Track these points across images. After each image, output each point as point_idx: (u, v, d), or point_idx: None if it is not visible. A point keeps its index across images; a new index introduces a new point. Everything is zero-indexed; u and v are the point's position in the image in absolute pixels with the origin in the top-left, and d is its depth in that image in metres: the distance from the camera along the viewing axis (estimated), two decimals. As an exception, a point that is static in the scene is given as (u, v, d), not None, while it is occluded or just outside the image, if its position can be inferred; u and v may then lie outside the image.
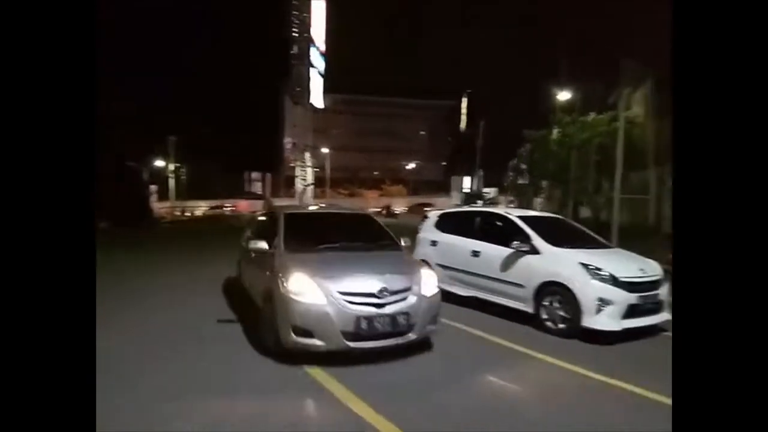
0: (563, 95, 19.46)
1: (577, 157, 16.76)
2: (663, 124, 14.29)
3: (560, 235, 5.60)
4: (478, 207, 9.58)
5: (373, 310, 3.77)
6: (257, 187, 64.80)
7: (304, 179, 35.73)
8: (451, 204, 41.28)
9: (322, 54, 40.52)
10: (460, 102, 58.05)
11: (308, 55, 37.83)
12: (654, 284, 4.89)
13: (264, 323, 4.22)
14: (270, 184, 64.60)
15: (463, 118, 55.08)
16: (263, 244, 4.56)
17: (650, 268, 5.04)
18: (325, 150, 56.90)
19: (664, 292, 4.93)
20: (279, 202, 47.26)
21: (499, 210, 6.73)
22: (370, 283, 3.86)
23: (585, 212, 17.62)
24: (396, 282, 3.94)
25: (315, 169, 40.61)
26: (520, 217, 5.76)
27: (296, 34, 40.76)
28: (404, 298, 3.91)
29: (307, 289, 3.80)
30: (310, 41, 37.97)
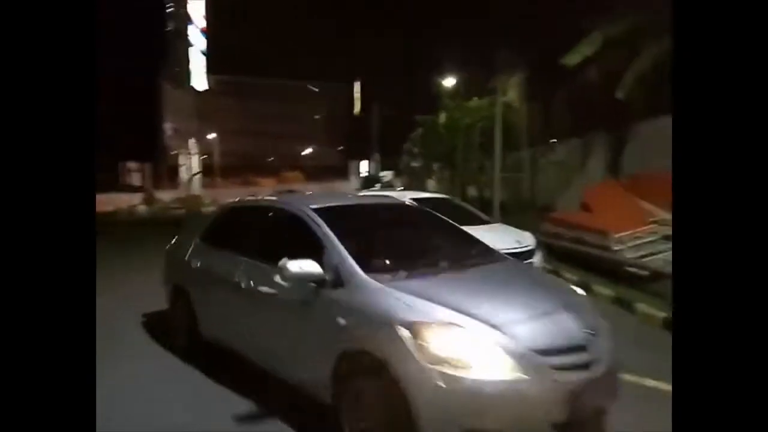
0: (448, 81, 20.43)
1: (463, 140, 17.78)
2: (534, 107, 15.71)
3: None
4: (373, 192, 8.28)
5: (583, 374, 2.18)
6: (136, 179, 58.75)
7: (190, 168, 33.15)
8: (350, 189, 41.52)
9: (202, 31, 37.46)
10: (354, 86, 58.23)
11: (186, 33, 34.71)
12: (529, 253, 5.38)
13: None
14: (151, 174, 58.98)
15: (358, 102, 55.39)
16: (310, 267, 2.62)
17: (525, 239, 5.59)
18: (212, 136, 53.37)
19: (537, 259, 5.49)
20: (162, 194, 43.34)
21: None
22: (562, 326, 2.29)
23: (472, 191, 18.86)
24: (582, 317, 2.39)
25: (202, 157, 37.89)
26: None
27: (171, 9, 37.04)
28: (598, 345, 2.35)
29: (478, 351, 2.09)
30: (187, 18, 34.83)
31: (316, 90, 74.30)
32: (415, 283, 2.53)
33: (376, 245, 3.20)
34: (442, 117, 20.69)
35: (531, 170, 14.74)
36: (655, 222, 7.29)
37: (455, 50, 20.67)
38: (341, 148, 74.28)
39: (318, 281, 2.68)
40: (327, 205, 3.33)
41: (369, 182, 38.02)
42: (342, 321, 2.51)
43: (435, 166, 24.39)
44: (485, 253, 3.26)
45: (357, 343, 2.44)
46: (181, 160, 35.06)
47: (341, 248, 2.77)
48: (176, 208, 33.44)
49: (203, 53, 38.03)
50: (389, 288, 2.47)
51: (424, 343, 2.10)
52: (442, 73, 20.78)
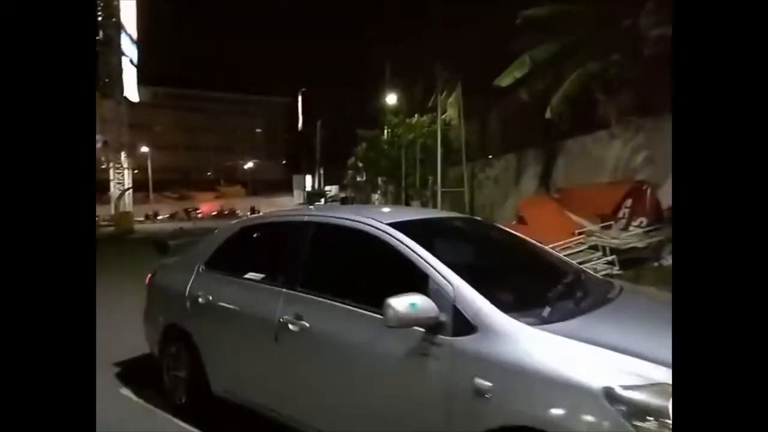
0: (390, 98, 20.92)
1: (405, 156, 18.22)
2: (472, 125, 16.47)
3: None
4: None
5: None
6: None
7: (121, 183, 31.26)
8: (293, 204, 40.88)
9: (134, 42, 35.79)
10: (296, 100, 57.83)
11: (118, 42, 33.03)
12: None
13: None
14: (76, 189, 54.70)
15: (300, 116, 55.01)
16: (424, 306, 1.92)
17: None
18: (145, 149, 50.72)
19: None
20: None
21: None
22: None
23: (415, 205, 19.30)
24: None
25: (134, 171, 35.84)
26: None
27: (101, 17, 35.14)
28: None
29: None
30: (119, 26, 33.19)
31: (256, 103, 72.92)
32: (574, 325, 1.89)
33: (487, 272, 2.47)
34: (385, 132, 21.11)
35: (470, 185, 15.39)
36: (582, 233, 7.91)
37: (397, 68, 21.23)
38: (284, 162, 73.13)
39: (431, 325, 1.93)
40: (404, 219, 2.57)
41: (314, 197, 37.70)
42: (484, 384, 1.76)
43: (379, 180, 24.72)
44: (590, 276, 2.77)
45: (514, 417, 1.71)
46: (112, 174, 32.94)
47: (458, 278, 2.01)
48: (106, 225, 31.30)
49: (133, 64, 36.23)
50: (548, 333, 1.79)
51: (643, 414, 1.48)
52: (385, 91, 21.27)
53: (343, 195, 37.34)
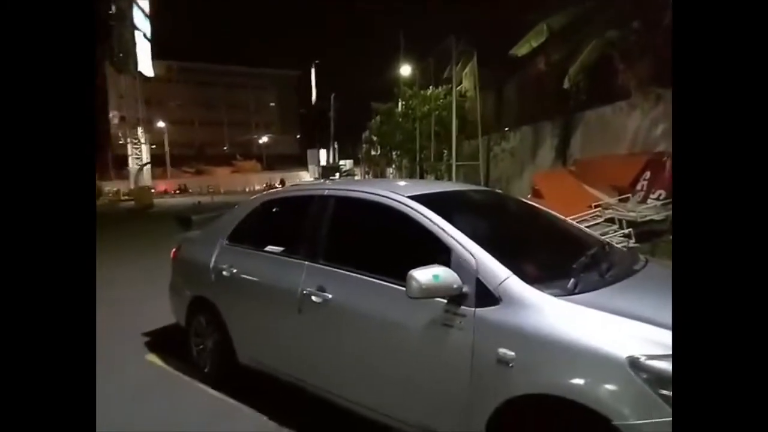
0: (405, 69, 20.58)
1: (420, 128, 18.05)
2: (488, 96, 16.17)
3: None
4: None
5: None
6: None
7: (139, 158, 31.73)
8: (307, 180, 40.99)
9: (146, 15, 35.60)
10: (309, 73, 57.20)
11: (131, 16, 32.92)
12: None
13: None
14: (96, 165, 55.72)
15: (314, 89, 54.52)
16: (447, 277, 1.98)
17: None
18: (161, 124, 51.06)
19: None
20: (110, 185, 41.19)
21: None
22: None
23: (430, 179, 19.23)
24: None
25: (151, 146, 36.27)
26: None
27: (113, -10, 35.07)
28: None
29: None
30: (132, 0, 33.05)
31: (270, 76, 72.34)
32: (599, 296, 1.92)
33: (509, 244, 2.46)
34: (400, 105, 20.87)
35: (485, 158, 15.25)
36: (598, 206, 7.85)
37: (411, 39, 20.84)
38: (298, 136, 72.98)
39: (454, 297, 1.98)
40: (425, 192, 2.62)
41: (329, 171, 37.74)
42: (507, 353, 1.82)
43: (394, 154, 24.61)
44: (615, 248, 2.77)
45: (537, 385, 1.76)
46: (130, 149, 33.40)
47: (480, 250, 2.05)
48: (126, 200, 31.98)
49: (147, 38, 36.12)
50: (573, 304, 1.82)
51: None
52: (399, 62, 20.92)
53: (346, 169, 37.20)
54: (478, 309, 1.95)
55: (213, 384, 3.27)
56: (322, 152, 46.67)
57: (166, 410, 3.00)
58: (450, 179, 13.90)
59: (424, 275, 1.92)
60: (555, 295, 1.89)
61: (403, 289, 1.99)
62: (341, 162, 43.46)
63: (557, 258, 2.47)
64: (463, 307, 1.98)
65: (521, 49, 11.32)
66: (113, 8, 31.52)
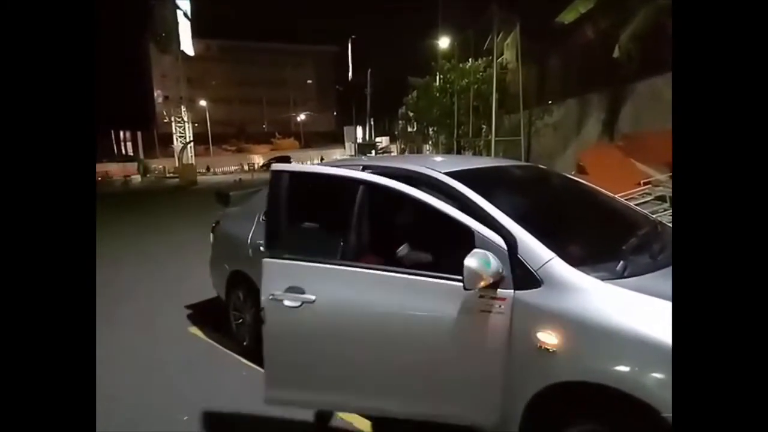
0: (443, 42, 19.98)
1: (458, 103, 17.60)
2: (530, 68, 15.49)
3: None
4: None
5: None
6: (130, 148, 57.93)
7: (183, 136, 32.75)
8: (343, 156, 41.13)
9: (187, -7, 36.19)
10: (346, 49, 56.69)
11: (172, -5, 33.57)
12: None
13: None
14: (142, 143, 58.09)
15: (350, 65, 54.10)
16: (493, 262, 1.81)
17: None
18: (203, 103, 52.33)
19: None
20: (157, 163, 42.90)
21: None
22: None
23: (467, 155, 18.83)
24: None
25: (194, 125, 37.33)
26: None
27: (154, -30, 35.68)
28: None
29: None
30: (172, -22, 33.58)
31: (306, 52, 72.31)
32: (650, 281, 1.79)
33: (553, 223, 2.32)
34: (437, 79, 20.37)
35: (527, 133, 14.71)
36: (648, 183, 7.41)
37: (450, 9, 20.10)
38: (335, 113, 73.07)
39: (496, 280, 1.84)
40: (462, 168, 2.43)
41: (365, 148, 37.70)
42: (549, 338, 1.72)
43: (431, 130, 24.21)
44: (668, 229, 2.53)
45: (580, 372, 1.68)
46: (174, 128, 34.52)
47: (521, 230, 1.93)
48: (171, 177, 33.24)
49: (187, 17, 36.73)
50: (621, 288, 1.71)
51: None
52: (437, 34, 20.30)
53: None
54: (517, 291, 1.83)
55: (251, 357, 3.33)
56: (359, 129, 46.53)
57: (205, 382, 3.10)
58: (489, 155, 13.54)
59: (479, 264, 1.75)
60: (602, 279, 1.76)
61: (434, 280, 1.91)
62: (377, 139, 43.23)
63: (605, 239, 2.29)
64: (500, 290, 1.85)
65: (568, 16, 10.69)
66: (155, -12, 32.13)
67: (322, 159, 38.39)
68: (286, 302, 2.11)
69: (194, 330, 4.06)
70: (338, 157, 37.82)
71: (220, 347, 3.68)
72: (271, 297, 2.12)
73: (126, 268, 6.54)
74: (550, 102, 15.48)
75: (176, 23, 34.65)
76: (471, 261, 1.76)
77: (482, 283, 1.77)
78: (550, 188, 2.98)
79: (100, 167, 37.13)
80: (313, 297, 2.08)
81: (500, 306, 1.85)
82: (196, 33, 41.35)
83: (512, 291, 1.84)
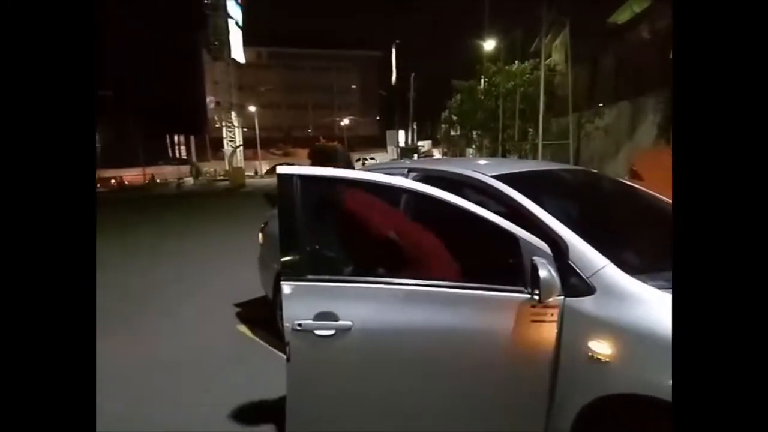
0: (488, 44, 19.71)
1: (503, 106, 17.29)
2: (580, 70, 14.99)
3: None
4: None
5: None
6: (183, 152, 60.89)
7: (233, 140, 34.00)
8: (385, 160, 41.34)
9: (238, 3, 37.62)
10: (390, 53, 57.11)
11: (225, 5, 35.01)
12: None
13: None
14: (195, 147, 60.86)
15: (394, 70, 54.42)
16: (553, 270, 1.74)
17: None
18: (252, 108, 54.21)
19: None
20: (208, 166, 44.78)
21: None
22: None
23: (513, 158, 18.44)
24: None
25: (243, 129, 38.70)
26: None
27: (209, -18, 37.52)
28: None
29: None
30: (224, -11, 35.13)
31: (351, 58, 73.41)
32: None
33: (607, 229, 2.23)
34: (482, 82, 20.11)
35: (576, 137, 14.21)
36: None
37: (496, 10, 19.83)
38: (378, 117, 73.68)
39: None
40: (510, 171, 2.35)
41: (407, 152, 37.74)
42: (601, 348, 1.65)
43: (474, 134, 23.89)
44: None
45: (633, 384, 1.58)
46: (225, 132, 35.92)
47: (573, 235, 1.86)
48: (222, 180, 34.61)
49: (239, 26, 38.20)
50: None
51: None
52: (483, 37, 20.05)
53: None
54: (569, 299, 1.76)
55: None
56: (401, 133, 46.62)
57: (251, 380, 3.19)
58: (536, 159, 13.21)
59: (553, 274, 1.67)
60: (659, 287, 1.67)
61: (485, 292, 1.79)
62: (419, 143, 43.19)
63: (662, 246, 2.21)
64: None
65: (621, 16, 10.31)
66: (209, -1, 33.62)
67: (363, 162, 38.95)
68: (317, 331, 1.80)
69: (242, 328, 4.20)
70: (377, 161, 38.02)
71: (267, 345, 3.78)
72: (297, 327, 1.80)
73: (181, 266, 6.87)
74: (601, 105, 14.90)
75: (228, 32, 36.13)
76: (544, 272, 1.67)
77: (556, 294, 1.70)
78: (602, 193, 2.85)
79: (156, 170, 39.19)
80: (349, 323, 1.81)
81: (551, 314, 1.80)
82: (247, 41, 42.95)
83: (563, 298, 1.77)
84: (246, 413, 2.78)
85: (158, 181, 35.68)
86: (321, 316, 1.81)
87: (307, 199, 1.91)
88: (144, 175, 36.34)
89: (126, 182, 33.61)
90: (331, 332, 1.81)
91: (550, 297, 1.71)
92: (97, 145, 40.86)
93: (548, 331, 1.79)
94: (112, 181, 32.67)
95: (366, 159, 35.40)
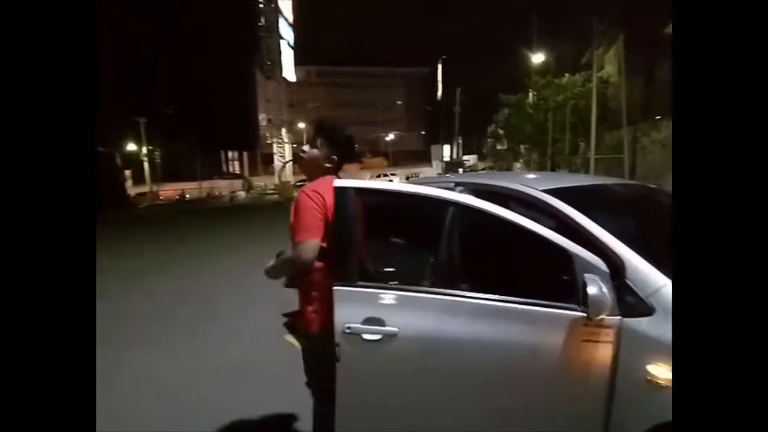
0: (537, 57, 19.41)
1: (553, 120, 16.90)
2: (635, 82, 14.42)
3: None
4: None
5: None
6: (236, 167, 63.67)
7: (283, 156, 35.19)
8: (430, 174, 41.27)
9: (290, 24, 39.26)
10: (436, 69, 57.38)
11: (277, 27, 36.63)
12: None
13: None
14: (247, 162, 63.51)
15: (440, 85, 54.57)
16: (608, 287, 1.68)
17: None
18: (301, 125, 56.02)
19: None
20: (259, 180, 46.53)
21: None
22: None
23: (563, 172, 17.90)
24: None
25: (293, 146, 39.98)
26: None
27: (263, 5, 39.30)
28: None
29: None
30: (278, 12, 36.70)
31: (398, 75, 74.49)
32: None
33: (666, 247, 2.13)
34: (530, 96, 19.77)
35: (632, 150, 13.60)
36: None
37: (545, 23, 19.53)
38: (423, 132, 73.99)
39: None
40: (562, 186, 2.27)
41: (452, 166, 37.54)
42: (660, 372, 1.57)
43: (522, 148, 23.43)
44: None
45: None
46: (275, 148, 37.29)
47: (631, 252, 1.79)
48: (271, 193, 35.81)
49: (290, 46, 39.82)
50: None
51: None
52: (532, 49, 19.78)
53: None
54: (625, 319, 1.68)
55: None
56: (446, 148, 46.48)
57: (297, 390, 3.24)
58: (587, 173, 12.75)
59: (603, 291, 1.62)
60: None
61: (533, 308, 1.75)
62: (465, 157, 42.85)
63: None
64: (606, 317, 1.69)
65: (680, 25, 9.84)
66: (263, 20, 35.33)
67: (408, 178, 38.99)
68: (365, 336, 1.87)
69: (289, 338, 4.29)
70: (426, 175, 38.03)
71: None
72: (347, 330, 1.87)
73: (230, 275, 7.16)
74: (658, 117, 14.23)
75: (280, 52, 37.72)
76: (593, 289, 1.61)
77: (606, 312, 1.63)
78: (661, 208, 2.70)
79: (211, 184, 41.13)
80: (395, 329, 1.86)
81: (604, 334, 1.72)
82: (297, 60, 44.66)
83: (619, 318, 1.71)
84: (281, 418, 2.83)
85: (216, 194, 37.32)
86: (369, 321, 1.87)
87: (361, 210, 1.99)
88: (200, 188, 38.26)
89: (186, 196, 35.54)
90: (378, 337, 1.87)
91: (599, 315, 1.63)
92: (157, 160, 43.62)
93: (602, 352, 1.71)
94: (178, 195, 34.62)
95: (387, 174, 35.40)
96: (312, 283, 1.97)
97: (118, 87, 40.09)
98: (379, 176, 34.66)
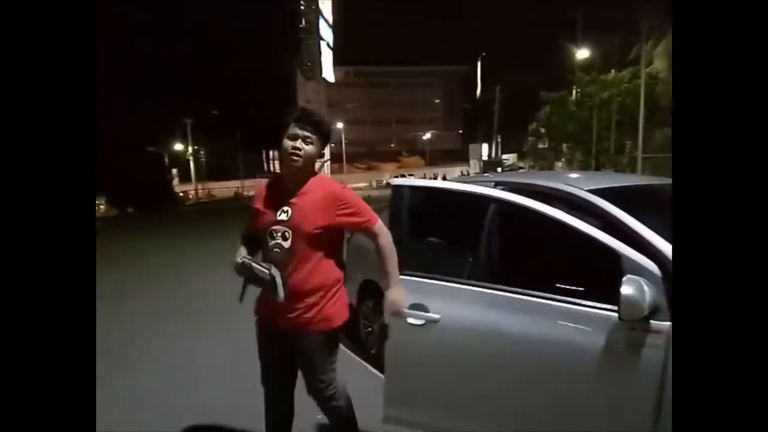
0: (581, 53, 18.78)
1: (597, 117, 16.32)
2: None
3: None
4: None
5: None
6: (277, 166, 65.11)
7: (321, 155, 35.74)
8: (467, 173, 40.69)
9: (330, 25, 39.83)
10: (475, 67, 56.63)
11: (318, 28, 37.25)
12: None
13: None
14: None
15: (479, 83, 53.81)
16: (647, 288, 1.60)
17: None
18: (339, 125, 56.67)
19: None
20: (297, 179, 47.28)
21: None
22: None
23: (608, 172, 17.25)
24: None
25: (330, 145, 40.60)
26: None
27: (304, 7, 40.13)
28: None
29: None
30: (318, 13, 37.33)
31: (436, 73, 73.99)
32: None
33: None
34: (574, 93, 19.16)
35: (681, 149, 12.93)
36: None
37: (591, 18, 18.87)
38: (460, 131, 73.14)
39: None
40: (607, 186, 2.24)
41: (490, 165, 36.91)
42: None
43: (564, 146, 22.75)
44: None
45: None
46: (313, 148, 37.96)
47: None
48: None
49: (330, 47, 40.39)
50: None
51: None
52: (576, 45, 19.15)
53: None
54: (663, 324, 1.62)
55: (378, 366, 3.26)
56: (484, 146, 45.70)
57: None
58: (634, 173, 12.23)
59: (638, 292, 1.56)
60: None
61: (572, 306, 1.74)
62: (504, 156, 42.00)
63: None
64: (655, 321, 1.63)
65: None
66: (303, 22, 36.00)
67: (444, 177, 38.66)
68: (410, 320, 2.00)
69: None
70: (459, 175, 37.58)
71: (350, 353, 3.87)
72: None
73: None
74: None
75: (320, 53, 38.33)
76: (628, 289, 1.56)
77: (640, 314, 1.58)
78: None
79: (253, 182, 42.31)
80: (437, 316, 1.97)
81: (653, 338, 1.65)
82: (336, 61, 45.22)
83: (669, 324, 1.61)
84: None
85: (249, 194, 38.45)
86: (414, 306, 1.99)
87: (413, 206, 2.18)
88: (242, 186, 39.47)
89: (233, 193, 36.78)
90: (422, 322, 2.00)
91: (632, 317, 1.59)
92: (202, 160, 45.33)
93: (649, 358, 1.65)
94: (233, 192, 35.64)
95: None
96: (339, 278, 2.08)
97: (167, 90, 41.97)
98: (501, 165, 33.49)
